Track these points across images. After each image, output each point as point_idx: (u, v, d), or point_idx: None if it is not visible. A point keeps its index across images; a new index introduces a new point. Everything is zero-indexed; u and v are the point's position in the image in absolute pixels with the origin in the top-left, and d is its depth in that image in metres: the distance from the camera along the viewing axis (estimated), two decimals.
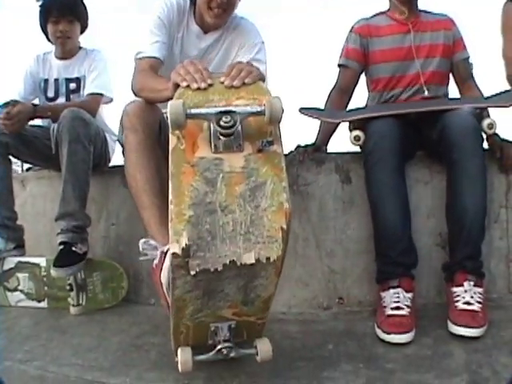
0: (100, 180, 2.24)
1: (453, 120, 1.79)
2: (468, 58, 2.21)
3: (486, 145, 1.95)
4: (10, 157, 2.25)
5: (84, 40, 2.62)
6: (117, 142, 2.22)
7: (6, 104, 2.15)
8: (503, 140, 1.99)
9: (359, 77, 2.27)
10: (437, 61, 2.13)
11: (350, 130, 1.93)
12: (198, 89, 1.23)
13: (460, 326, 1.57)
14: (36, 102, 2.47)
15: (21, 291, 2.16)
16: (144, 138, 1.55)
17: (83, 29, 2.57)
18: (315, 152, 2.05)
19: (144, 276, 2.06)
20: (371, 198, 1.83)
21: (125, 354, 1.59)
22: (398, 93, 2.15)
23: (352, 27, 2.26)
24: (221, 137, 1.15)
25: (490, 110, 2.02)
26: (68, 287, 2.03)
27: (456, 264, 1.75)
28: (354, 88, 2.28)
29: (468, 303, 1.63)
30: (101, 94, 2.41)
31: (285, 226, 1.11)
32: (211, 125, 1.16)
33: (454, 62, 2.19)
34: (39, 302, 2.13)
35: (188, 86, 1.24)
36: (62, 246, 1.96)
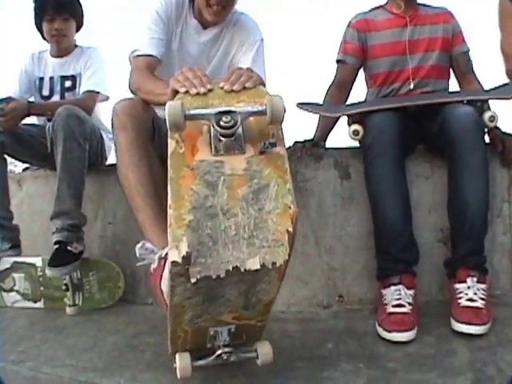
0: (96, 179, 2.21)
1: (453, 113, 1.75)
2: (468, 51, 2.17)
3: (487, 139, 1.91)
4: (6, 156, 2.23)
5: (83, 40, 2.61)
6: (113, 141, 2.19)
7: (1, 101, 2.13)
8: (505, 133, 1.96)
9: (358, 72, 2.24)
10: (436, 54, 2.10)
11: (349, 125, 1.90)
12: (197, 94, 1.21)
13: (463, 323, 1.54)
14: (31, 100, 2.45)
15: (17, 292, 2.13)
16: (135, 137, 1.51)
17: (79, 27, 2.55)
18: (313, 148, 2.02)
19: (141, 275, 2.03)
20: (371, 193, 1.80)
21: (120, 354, 1.56)
22: (397, 87, 2.12)
23: (349, 22, 2.23)
24: (221, 138, 1.12)
25: (490, 103, 1.99)
26: (64, 287, 2.01)
27: (458, 260, 1.72)
28: (352, 83, 2.25)
29: (471, 300, 1.60)
30: (97, 92, 2.39)
31: (291, 229, 1.07)
32: (211, 127, 1.13)
33: (454, 55, 2.16)
34: (35, 302, 2.10)
35: (187, 92, 1.22)
36: (57, 246, 1.93)
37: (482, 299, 1.60)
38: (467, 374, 1.31)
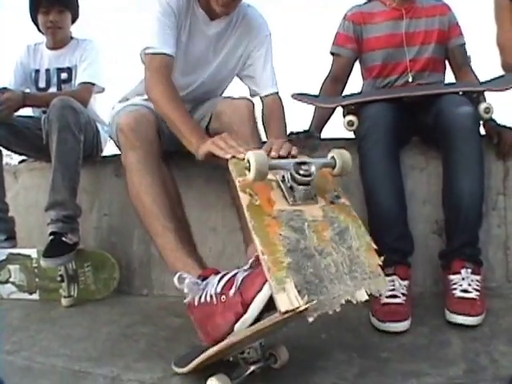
0: (92, 170, 2.21)
1: (448, 104, 1.75)
2: (464, 43, 2.17)
3: (482, 131, 1.91)
4: (1, 148, 2.23)
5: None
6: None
7: None
8: (500, 125, 1.96)
9: (353, 65, 2.24)
10: (432, 47, 2.10)
11: (344, 116, 1.89)
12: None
13: (457, 314, 1.54)
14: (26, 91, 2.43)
15: (12, 283, 2.13)
16: (144, 155, 1.47)
17: (74, 19, 2.54)
18: (308, 139, 2.02)
19: (136, 266, 2.04)
20: (365, 183, 1.79)
21: (114, 344, 1.56)
22: (393, 80, 2.12)
23: (345, 14, 2.22)
24: (299, 187, 1.18)
25: (486, 95, 1.98)
26: (59, 278, 2.00)
27: (453, 251, 1.72)
28: (347, 76, 2.25)
29: (465, 291, 1.60)
30: (92, 84, 2.38)
31: (381, 263, 1.15)
32: (286, 177, 1.19)
33: (450, 47, 2.15)
34: (31, 293, 2.10)
35: (234, 157, 1.26)
36: (51, 237, 1.93)
37: (477, 290, 1.60)
38: (460, 365, 1.31)
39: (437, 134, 1.79)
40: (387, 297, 1.61)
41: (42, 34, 2.49)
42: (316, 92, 2.21)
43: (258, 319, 1.13)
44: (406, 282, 1.67)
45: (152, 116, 1.59)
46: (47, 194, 1.99)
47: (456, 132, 1.70)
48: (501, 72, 2.08)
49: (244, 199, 1.15)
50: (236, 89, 2.03)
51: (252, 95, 1.90)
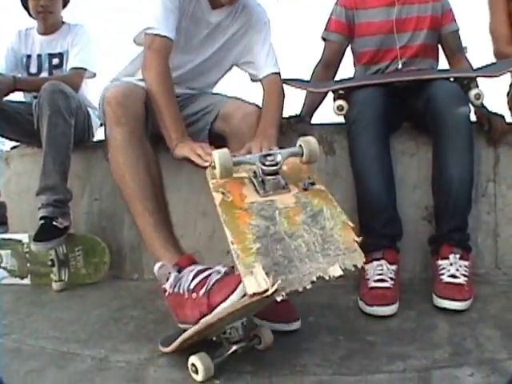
0: (83, 155, 2.20)
1: (438, 90, 1.75)
2: (457, 30, 2.15)
3: (473, 117, 1.92)
4: None
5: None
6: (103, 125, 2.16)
7: None
8: (491, 113, 1.96)
9: (345, 50, 2.23)
10: (424, 33, 2.08)
11: (334, 101, 1.89)
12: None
13: (445, 298, 1.55)
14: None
15: (4, 268, 2.13)
16: (130, 132, 1.46)
17: (65, 3, 2.53)
18: (299, 123, 2.02)
19: (127, 251, 2.04)
20: (355, 168, 1.80)
21: (103, 326, 1.57)
22: (384, 67, 2.11)
23: (337, 0, 2.20)
24: (268, 177, 1.23)
25: (479, 82, 1.98)
26: (50, 263, 2.01)
27: (442, 236, 1.73)
28: (339, 62, 2.24)
29: (453, 276, 1.61)
30: (84, 69, 2.37)
31: (357, 239, 1.16)
32: (257, 172, 1.24)
33: (443, 34, 2.14)
34: (22, 278, 2.11)
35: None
36: (42, 221, 1.93)
37: (465, 276, 1.62)
38: (446, 348, 1.33)
39: (427, 120, 1.79)
40: (375, 281, 1.62)
41: (33, 18, 2.47)
42: (308, 78, 2.21)
43: None
44: (394, 267, 1.68)
45: (141, 92, 1.57)
46: (39, 180, 1.99)
47: (446, 116, 1.71)
48: (493, 60, 2.09)
49: (217, 198, 1.20)
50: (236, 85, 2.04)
51: (252, 80, 1.90)
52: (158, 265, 1.38)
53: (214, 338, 1.27)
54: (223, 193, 1.21)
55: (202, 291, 1.26)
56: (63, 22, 2.51)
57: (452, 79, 1.85)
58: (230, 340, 1.25)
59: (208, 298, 1.25)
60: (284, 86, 1.86)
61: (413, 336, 1.41)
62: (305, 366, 1.27)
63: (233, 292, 1.20)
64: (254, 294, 1.03)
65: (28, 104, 2.25)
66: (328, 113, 2.03)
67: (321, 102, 2.18)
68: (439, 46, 2.18)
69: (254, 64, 1.85)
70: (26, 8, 2.46)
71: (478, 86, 1.87)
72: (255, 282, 1.03)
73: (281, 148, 1.35)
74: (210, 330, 1.22)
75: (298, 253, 1.10)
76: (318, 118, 2.22)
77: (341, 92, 1.88)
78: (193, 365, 1.21)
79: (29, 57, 2.47)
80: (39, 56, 2.45)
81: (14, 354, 1.41)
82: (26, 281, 2.10)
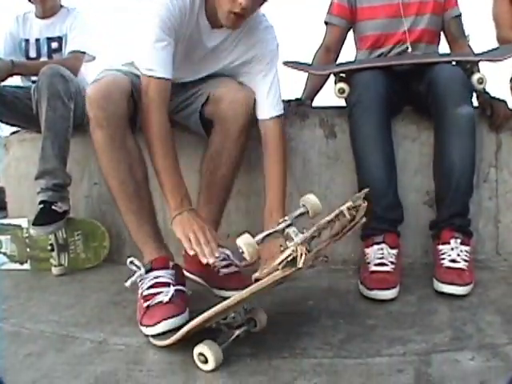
0: (82, 140, 2.17)
1: (440, 72, 1.74)
2: (460, 15, 2.12)
3: (476, 103, 1.90)
4: None
5: None
6: None
7: None
8: (494, 98, 1.94)
9: (346, 34, 2.20)
10: (427, 17, 2.04)
11: (335, 83, 1.87)
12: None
13: (445, 283, 1.55)
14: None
15: (3, 254, 2.12)
16: (111, 136, 1.44)
17: None
18: (299, 106, 2.00)
19: (126, 236, 2.02)
20: (356, 151, 1.79)
21: (102, 310, 1.58)
22: (386, 51, 2.07)
23: None
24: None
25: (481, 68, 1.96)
26: (49, 247, 2.01)
27: (443, 221, 1.72)
28: (340, 46, 2.21)
29: (454, 261, 1.61)
30: (83, 52, 2.34)
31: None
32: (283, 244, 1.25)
33: (446, 19, 2.10)
34: (22, 264, 2.10)
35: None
36: (41, 205, 1.92)
37: (465, 261, 1.62)
38: (446, 332, 1.33)
39: (429, 103, 1.77)
40: (375, 264, 1.62)
41: (31, 3, 2.44)
42: (309, 62, 2.19)
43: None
44: (394, 251, 1.67)
45: (125, 85, 1.51)
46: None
47: (448, 98, 1.69)
48: (495, 45, 2.07)
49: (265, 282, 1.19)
50: None
51: None
52: (129, 260, 1.46)
53: (214, 325, 1.26)
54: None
55: (146, 304, 1.38)
56: (61, 6, 2.48)
57: (454, 63, 1.83)
58: (232, 325, 1.26)
59: (143, 313, 1.37)
60: (285, 67, 1.83)
61: (413, 320, 1.41)
62: (305, 349, 1.27)
63: (154, 325, 1.32)
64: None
65: (26, 88, 2.23)
66: (329, 96, 2.02)
67: (322, 86, 2.16)
68: (441, 32, 2.15)
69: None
70: None
71: (479, 71, 1.85)
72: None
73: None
74: (220, 315, 1.23)
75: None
76: (318, 101, 2.20)
77: (342, 75, 1.87)
78: (201, 354, 1.19)
79: (27, 41, 2.44)
80: (37, 40, 2.43)
81: (13, 337, 1.41)
82: (26, 266, 2.10)
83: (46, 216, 1.90)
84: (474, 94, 1.85)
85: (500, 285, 1.65)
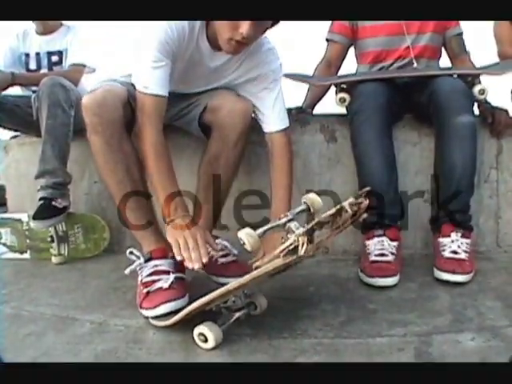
0: (82, 142, 2.16)
1: (442, 84, 1.75)
2: (461, 33, 2.13)
3: (477, 112, 1.92)
4: None
5: None
6: None
7: None
8: (494, 107, 1.97)
9: (347, 51, 2.21)
10: (428, 35, 2.05)
11: (336, 93, 1.90)
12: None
13: (446, 271, 1.56)
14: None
15: (3, 244, 2.13)
16: (107, 140, 1.45)
17: None
18: (300, 114, 2.02)
19: (126, 229, 2.03)
20: (357, 156, 1.81)
21: (102, 295, 1.58)
22: (387, 66, 2.08)
23: None
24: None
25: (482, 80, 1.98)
26: (49, 239, 2.01)
27: (443, 217, 1.73)
28: (341, 61, 2.23)
29: (455, 252, 1.62)
30: (83, 65, 2.34)
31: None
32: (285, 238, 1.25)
33: (447, 37, 2.11)
34: (22, 253, 2.10)
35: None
36: (41, 202, 1.93)
37: (466, 252, 1.62)
38: (447, 315, 1.33)
39: (431, 111, 1.78)
40: (376, 255, 1.63)
41: (32, 20, 2.44)
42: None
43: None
44: (395, 243, 1.68)
45: (121, 92, 1.52)
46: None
47: (449, 107, 1.71)
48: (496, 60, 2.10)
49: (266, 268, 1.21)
50: None
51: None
52: (128, 250, 1.49)
53: (214, 308, 1.27)
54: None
55: (145, 290, 1.40)
56: (61, 24, 2.47)
57: (455, 76, 1.85)
58: (232, 308, 1.27)
59: (144, 298, 1.39)
60: (285, 79, 1.82)
61: (413, 305, 1.41)
62: (305, 330, 1.28)
63: (154, 307, 1.34)
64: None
65: (26, 97, 2.21)
66: (329, 105, 2.05)
67: (322, 96, 2.18)
68: (443, 48, 2.16)
69: (258, 110, 1.70)
70: None
71: (480, 82, 1.86)
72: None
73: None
74: (221, 299, 1.24)
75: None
76: (319, 109, 2.22)
77: (343, 86, 1.89)
78: (201, 334, 1.21)
79: (27, 55, 2.44)
80: (38, 54, 2.42)
81: (13, 319, 1.41)
82: (26, 255, 2.10)
83: (45, 211, 1.90)
84: (476, 104, 1.87)
85: (500, 274, 1.65)
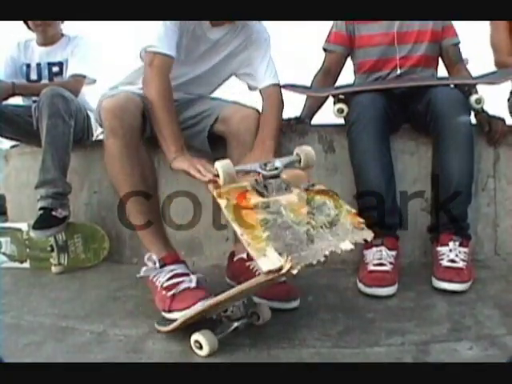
0: (82, 153, 2.19)
1: (439, 93, 1.77)
2: (458, 43, 2.14)
3: (474, 121, 1.93)
4: None
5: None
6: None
7: None
8: (491, 116, 1.98)
9: (345, 60, 2.23)
10: (425, 45, 2.07)
11: (334, 104, 1.91)
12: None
13: (444, 280, 1.57)
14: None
15: (3, 254, 2.13)
16: (125, 143, 1.47)
17: None
18: (298, 124, 2.03)
19: (126, 238, 2.04)
20: (355, 165, 1.81)
21: (102, 304, 1.58)
22: (384, 75, 2.10)
23: None
24: (270, 180, 1.26)
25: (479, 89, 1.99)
26: (49, 248, 2.01)
27: (442, 225, 1.74)
28: (339, 71, 2.24)
29: (453, 261, 1.62)
30: (83, 76, 2.35)
31: (362, 221, 1.22)
32: (258, 180, 1.27)
33: (444, 46, 2.12)
34: (22, 263, 2.10)
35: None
36: (41, 211, 1.93)
37: (464, 261, 1.63)
38: (445, 324, 1.34)
39: (428, 121, 1.80)
40: (374, 265, 1.63)
41: (32, 31, 2.46)
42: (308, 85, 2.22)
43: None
44: (393, 252, 1.68)
45: (138, 101, 1.58)
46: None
47: (446, 116, 1.72)
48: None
49: (222, 202, 1.23)
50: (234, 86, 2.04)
51: (250, 89, 1.91)
52: (147, 255, 1.50)
53: (214, 317, 1.29)
54: (228, 198, 1.24)
55: (170, 293, 1.39)
56: (62, 35, 2.49)
57: (452, 86, 1.87)
58: (231, 318, 1.28)
59: (171, 301, 1.38)
60: (284, 90, 1.86)
61: (411, 314, 1.42)
62: (303, 340, 1.28)
63: (189, 307, 1.32)
64: (270, 272, 1.07)
65: (27, 107, 2.23)
66: (327, 116, 2.06)
67: (320, 107, 2.19)
68: (439, 57, 2.17)
69: (253, 76, 1.85)
70: (25, 21, 2.44)
71: (477, 92, 1.87)
72: (269, 261, 1.07)
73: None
74: (215, 308, 1.25)
75: (308, 235, 1.14)
76: (317, 119, 2.23)
77: (341, 96, 1.90)
78: (196, 341, 1.22)
79: (28, 66, 2.45)
80: (39, 65, 2.44)
81: (13, 328, 1.42)
82: (26, 265, 2.10)
83: (45, 220, 1.91)
84: (473, 113, 1.88)
85: (499, 282, 1.66)
